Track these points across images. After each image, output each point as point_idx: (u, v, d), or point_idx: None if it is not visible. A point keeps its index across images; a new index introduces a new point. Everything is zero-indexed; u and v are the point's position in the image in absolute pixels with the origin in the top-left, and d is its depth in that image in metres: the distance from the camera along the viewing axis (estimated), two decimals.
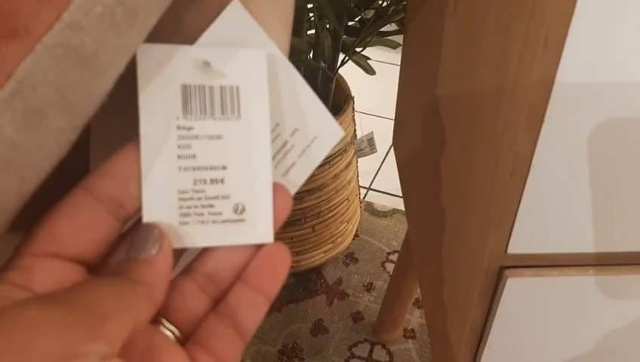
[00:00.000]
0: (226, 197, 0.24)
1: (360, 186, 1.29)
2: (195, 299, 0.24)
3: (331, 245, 1.05)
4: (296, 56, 0.85)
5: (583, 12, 0.28)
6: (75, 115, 0.21)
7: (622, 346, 0.42)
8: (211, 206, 0.24)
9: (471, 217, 0.41)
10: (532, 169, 0.33)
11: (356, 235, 1.15)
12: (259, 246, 0.25)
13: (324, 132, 0.27)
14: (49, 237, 0.21)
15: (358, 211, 1.12)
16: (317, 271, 1.09)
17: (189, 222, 0.24)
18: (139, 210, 0.23)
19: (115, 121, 0.28)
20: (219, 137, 0.24)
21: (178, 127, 0.24)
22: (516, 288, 0.38)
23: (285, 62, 0.27)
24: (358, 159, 1.07)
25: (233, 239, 0.24)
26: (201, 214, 0.24)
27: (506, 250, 0.37)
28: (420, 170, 0.59)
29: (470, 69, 0.41)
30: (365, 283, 1.08)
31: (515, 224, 0.36)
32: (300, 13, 0.84)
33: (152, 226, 0.23)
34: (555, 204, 0.35)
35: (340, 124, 0.93)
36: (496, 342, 0.42)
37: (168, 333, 0.23)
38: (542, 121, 0.32)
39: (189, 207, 0.24)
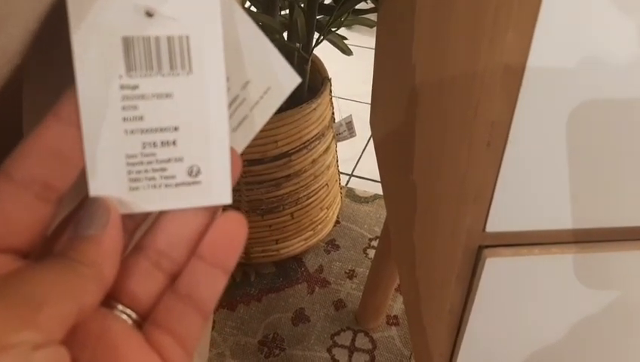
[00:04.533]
0: (179, 159, 0.23)
1: (342, 173, 1.27)
2: (149, 277, 0.23)
3: (311, 232, 1.03)
4: (269, 37, 0.82)
5: None
6: None
7: (606, 326, 0.40)
8: (163, 169, 0.22)
9: (447, 194, 0.39)
10: (510, 139, 0.31)
11: (337, 222, 1.13)
12: (214, 214, 0.24)
13: (278, 81, 0.25)
14: None
15: (339, 197, 1.09)
16: (297, 259, 1.07)
17: (139, 187, 0.22)
18: (72, 186, 0.21)
19: (49, 100, 0.26)
20: (168, 95, 0.22)
21: (122, 87, 0.21)
22: (496, 268, 0.36)
23: (236, 7, 0.24)
24: (340, 145, 1.05)
25: (188, 202, 0.23)
26: (153, 178, 0.22)
27: (484, 228, 0.35)
28: (396, 147, 0.56)
29: (444, 37, 0.38)
30: (347, 271, 1.06)
31: (494, 199, 0.34)
32: None
33: (97, 200, 0.21)
34: (535, 177, 0.33)
35: (317, 107, 0.91)
36: (477, 325, 0.40)
37: (124, 317, 0.22)
38: (519, 86, 0.29)
39: (139, 172, 0.22)
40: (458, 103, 0.35)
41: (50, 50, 0.24)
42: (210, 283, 0.23)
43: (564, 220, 0.35)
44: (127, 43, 0.21)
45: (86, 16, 0.21)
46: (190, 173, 0.23)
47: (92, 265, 0.20)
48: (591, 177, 0.33)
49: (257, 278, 1.05)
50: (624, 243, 0.36)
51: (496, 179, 0.33)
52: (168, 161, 0.22)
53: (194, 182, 0.23)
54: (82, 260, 0.20)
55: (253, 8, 0.87)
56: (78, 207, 0.22)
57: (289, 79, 0.25)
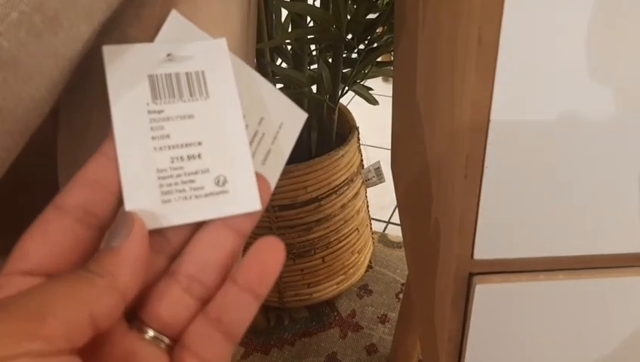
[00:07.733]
0: (205, 171, 0.25)
1: (379, 220, 1.29)
2: (180, 302, 0.24)
3: (343, 276, 1.05)
4: (298, 90, 0.88)
5: (512, 10, 0.29)
6: (4, 119, 0.22)
7: (599, 351, 0.41)
8: (192, 181, 0.24)
9: (441, 225, 0.41)
10: (485, 171, 0.34)
11: (370, 267, 1.14)
12: (244, 238, 0.25)
13: (289, 117, 0.28)
14: (21, 256, 0.21)
15: (370, 242, 1.11)
16: (330, 303, 1.08)
17: (171, 199, 0.24)
18: (112, 214, 0.23)
19: (79, 144, 0.30)
20: (190, 116, 0.25)
21: (149, 112, 0.25)
22: (486, 295, 0.38)
23: (235, 58, 0.28)
24: (377, 193, 1.07)
25: (219, 211, 0.24)
26: (183, 190, 0.24)
27: (472, 256, 0.37)
28: (409, 189, 0.59)
29: (434, 77, 0.42)
30: (379, 315, 1.06)
31: (478, 228, 0.36)
32: (300, 47, 0.87)
33: (124, 214, 0.23)
34: (514, 207, 0.35)
35: (345, 153, 0.95)
36: (476, 351, 0.41)
37: (155, 342, 0.23)
38: (488, 121, 0.32)
39: (170, 185, 0.24)
40: (445, 139, 0.38)
41: (77, 96, 0.29)
42: (240, 308, 0.23)
43: (548, 248, 0.36)
44: (152, 79, 0.25)
45: (118, 65, 0.25)
46: (217, 183, 0.25)
47: (106, 275, 0.21)
48: (568, 206, 0.35)
49: (291, 322, 1.07)
50: (610, 270, 0.37)
51: (477, 209, 0.35)
52: (196, 173, 0.24)
53: (222, 192, 0.25)
54: (97, 271, 0.21)
55: (284, 65, 0.93)
56: None
57: (297, 115, 0.29)
